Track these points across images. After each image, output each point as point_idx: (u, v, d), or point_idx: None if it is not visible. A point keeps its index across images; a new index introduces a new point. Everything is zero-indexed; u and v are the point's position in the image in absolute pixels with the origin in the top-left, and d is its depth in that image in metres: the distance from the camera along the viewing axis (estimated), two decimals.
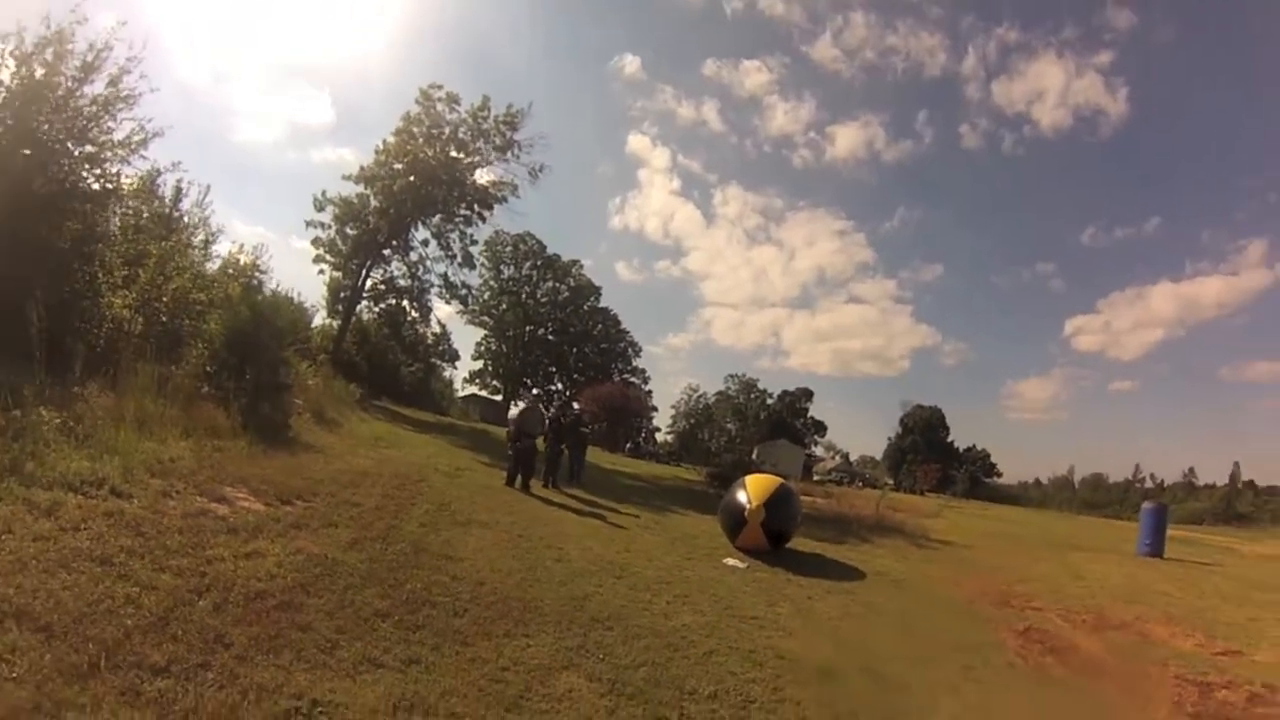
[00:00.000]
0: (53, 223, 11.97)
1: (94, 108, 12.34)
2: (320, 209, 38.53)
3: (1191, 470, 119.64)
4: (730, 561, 13.24)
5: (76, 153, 12.39)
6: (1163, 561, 21.18)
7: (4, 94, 11.51)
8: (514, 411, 21.64)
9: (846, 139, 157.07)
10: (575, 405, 43.68)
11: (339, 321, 39.78)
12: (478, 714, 5.32)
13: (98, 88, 12.38)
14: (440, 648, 6.35)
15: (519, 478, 17.18)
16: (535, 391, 79.82)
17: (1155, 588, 15.82)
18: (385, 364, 44.37)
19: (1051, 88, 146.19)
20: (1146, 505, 24.93)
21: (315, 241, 38.83)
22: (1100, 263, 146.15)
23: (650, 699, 6.34)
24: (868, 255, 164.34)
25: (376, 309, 42.88)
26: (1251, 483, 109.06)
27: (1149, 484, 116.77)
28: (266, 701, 4.65)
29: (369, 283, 40.03)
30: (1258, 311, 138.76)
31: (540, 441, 18.73)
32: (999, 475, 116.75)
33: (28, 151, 11.65)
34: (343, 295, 39.97)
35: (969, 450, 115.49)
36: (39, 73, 11.76)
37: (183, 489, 8.78)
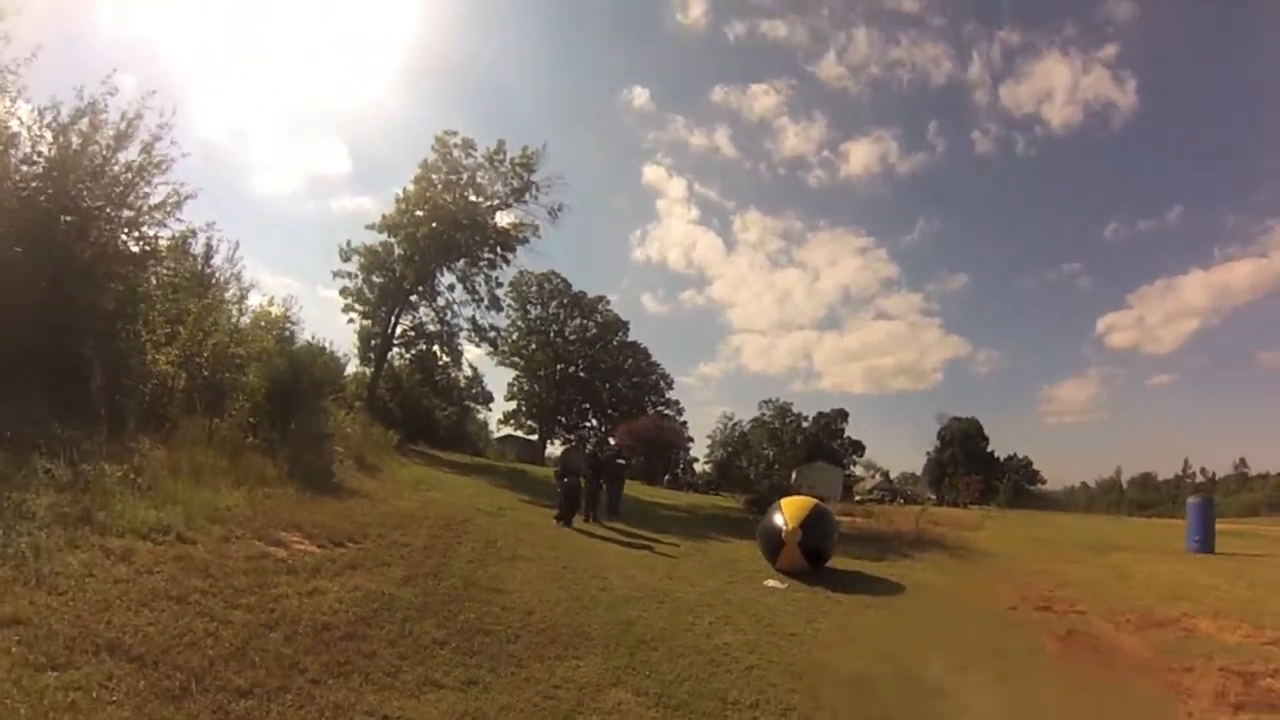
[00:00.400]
0: (97, 285, 12.42)
1: (129, 174, 12.83)
2: (346, 259, 39.49)
3: (1243, 460, 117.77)
4: (770, 583, 13.54)
5: (115, 217, 12.88)
6: (1212, 557, 20.79)
7: (44, 164, 12.00)
8: (558, 451, 22.13)
9: (860, 155, 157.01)
10: (611, 440, 44.00)
11: (371, 369, 40.41)
12: None
13: (131, 154, 12.86)
14: (496, 670, 6.74)
15: (568, 514, 17.69)
16: (575, 431, 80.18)
17: (1203, 583, 15.62)
18: (420, 409, 44.94)
19: (1059, 86, 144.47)
20: (1192, 500, 24.65)
21: (343, 291, 39.78)
22: (1126, 257, 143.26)
23: (695, 710, 6.68)
24: (891, 270, 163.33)
25: (408, 355, 43.68)
26: None
27: (1199, 478, 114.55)
28: (342, 718, 5.08)
29: (398, 329, 40.71)
30: None
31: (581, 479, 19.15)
32: (1043, 482, 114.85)
33: (69, 218, 12.15)
34: (373, 343, 40.64)
35: (1010, 459, 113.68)
36: (75, 143, 12.22)
37: (241, 534, 9.30)
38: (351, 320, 40.66)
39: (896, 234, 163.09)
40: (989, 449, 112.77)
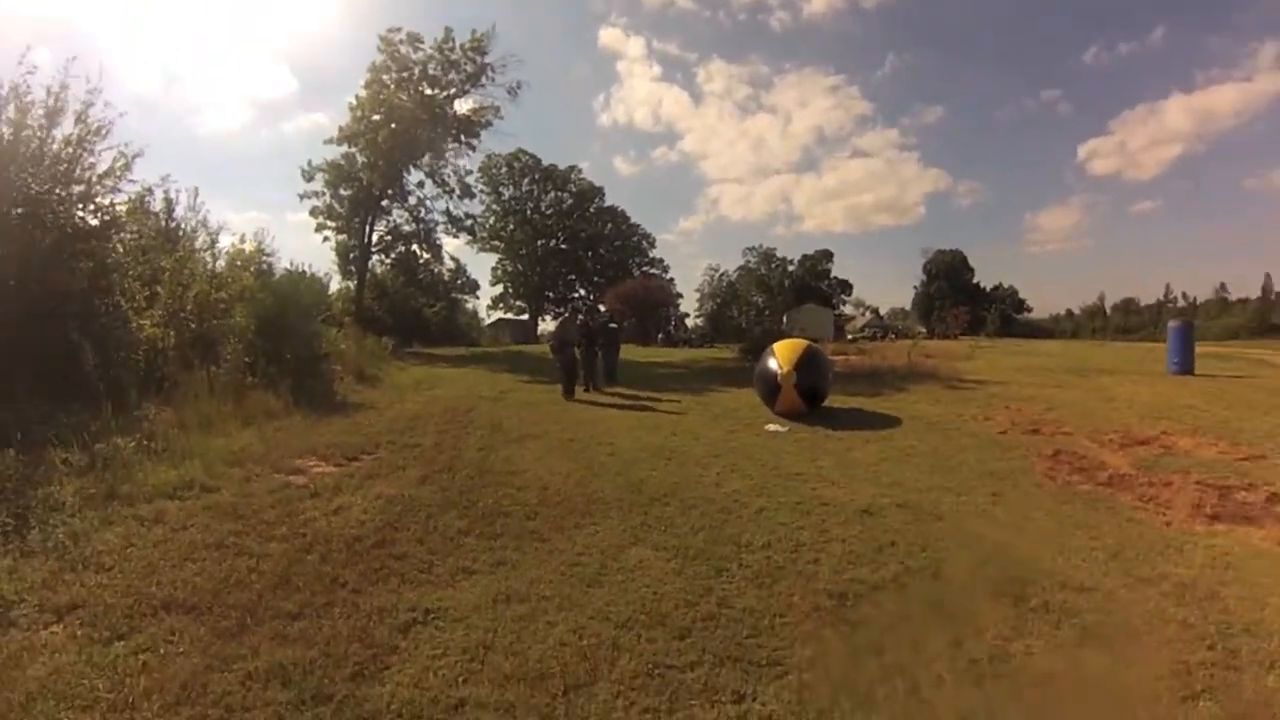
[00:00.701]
0: (66, 267, 12.59)
1: (70, 149, 12.77)
2: (310, 178, 38.92)
3: (1223, 286, 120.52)
4: (772, 427, 13.99)
5: (66, 195, 12.88)
6: (1192, 378, 21.52)
7: None
8: (552, 326, 22.40)
9: None
10: (601, 307, 44.31)
11: (354, 281, 40.48)
12: (564, 594, 6.20)
13: (66, 128, 12.79)
14: (521, 548, 7.26)
15: (569, 386, 18.28)
16: (565, 303, 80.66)
17: (1182, 403, 16.29)
18: (408, 311, 45.10)
19: None
20: (1173, 324, 25.12)
21: (313, 211, 39.35)
22: (1107, 82, 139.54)
23: (711, 556, 7.18)
24: (864, 107, 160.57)
25: (388, 260, 43.68)
26: None
27: (1181, 303, 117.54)
28: (389, 618, 5.58)
29: (375, 237, 40.52)
30: (1271, 118, 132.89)
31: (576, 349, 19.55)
32: (1029, 311, 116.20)
33: (20, 210, 12.17)
34: (352, 255, 40.72)
35: (996, 289, 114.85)
36: (6, 132, 12.19)
37: (260, 471, 9.74)
38: (326, 238, 40.56)
39: (867, 70, 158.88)
40: (975, 280, 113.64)
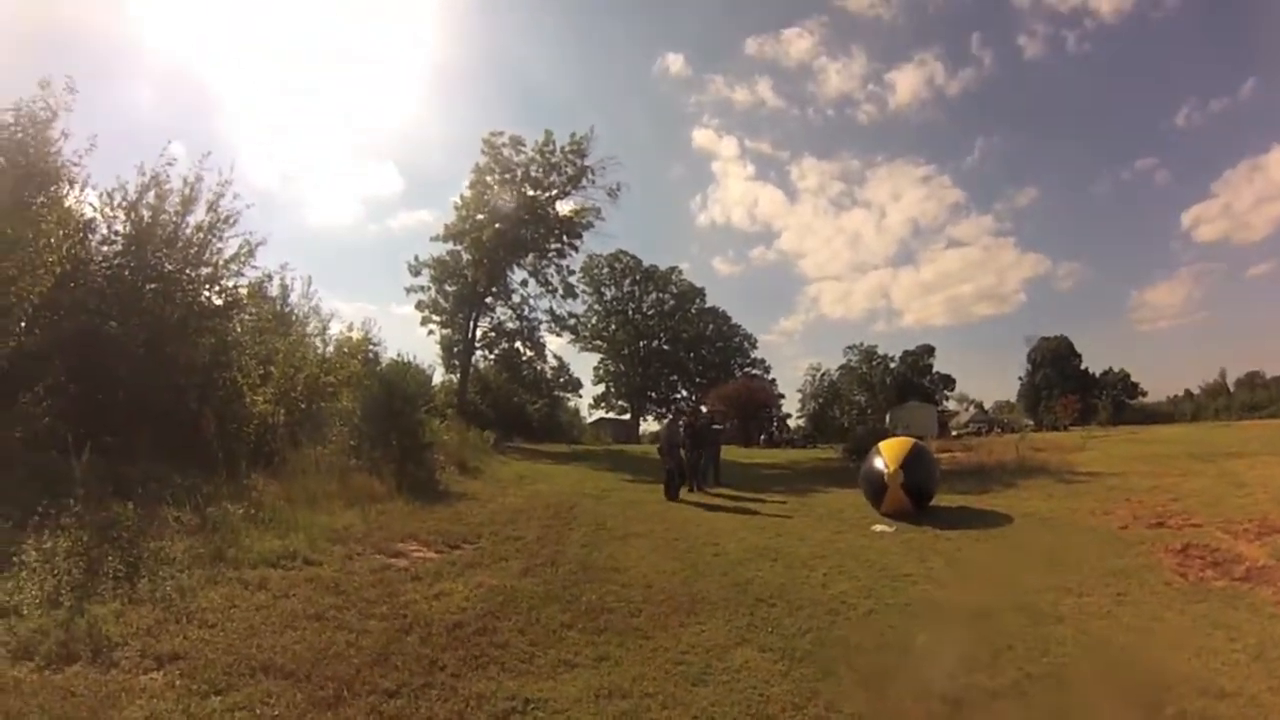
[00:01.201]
0: (190, 341, 13.35)
1: (201, 234, 13.65)
2: (416, 273, 40.52)
3: None
4: (879, 528, 13.57)
5: (195, 276, 13.69)
6: None
7: (122, 241, 12.92)
8: (656, 427, 22.29)
9: (906, 83, 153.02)
10: (704, 408, 44.15)
11: (458, 375, 41.44)
12: (669, 691, 5.95)
13: (199, 215, 13.68)
14: (624, 644, 7.04)
15: (675, 488, 17.96)
16: (668, 404, 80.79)
17: None
18: (510, 406, 45.89)
19: None
20: None
21: (419, 305, 40.77)
22: (1203, 143, 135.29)
23: (819, 658, 6.86)
24: (957, 195, 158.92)
25: (491, 356, 44.58)
26: None
27: None
28: (486, 706, 5.42)
29: (478, 332, 41.57)
30: None
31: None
32: (1144, 394, 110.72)
33: (153, 285, 13.01)
34: (455, 349, 41.73)
35: (1106, 374, 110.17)
36: (146, 216, 13.09)
37: (362, 550, 9.80)
38: (431, 331, 41.72)
39: (957, 157, 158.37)
40: (1083, 366, 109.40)
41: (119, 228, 12.97)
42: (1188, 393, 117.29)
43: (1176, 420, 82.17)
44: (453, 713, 5.25)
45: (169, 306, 13.03)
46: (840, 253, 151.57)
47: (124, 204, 12.98)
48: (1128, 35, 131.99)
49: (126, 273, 12.85)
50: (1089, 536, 12.47)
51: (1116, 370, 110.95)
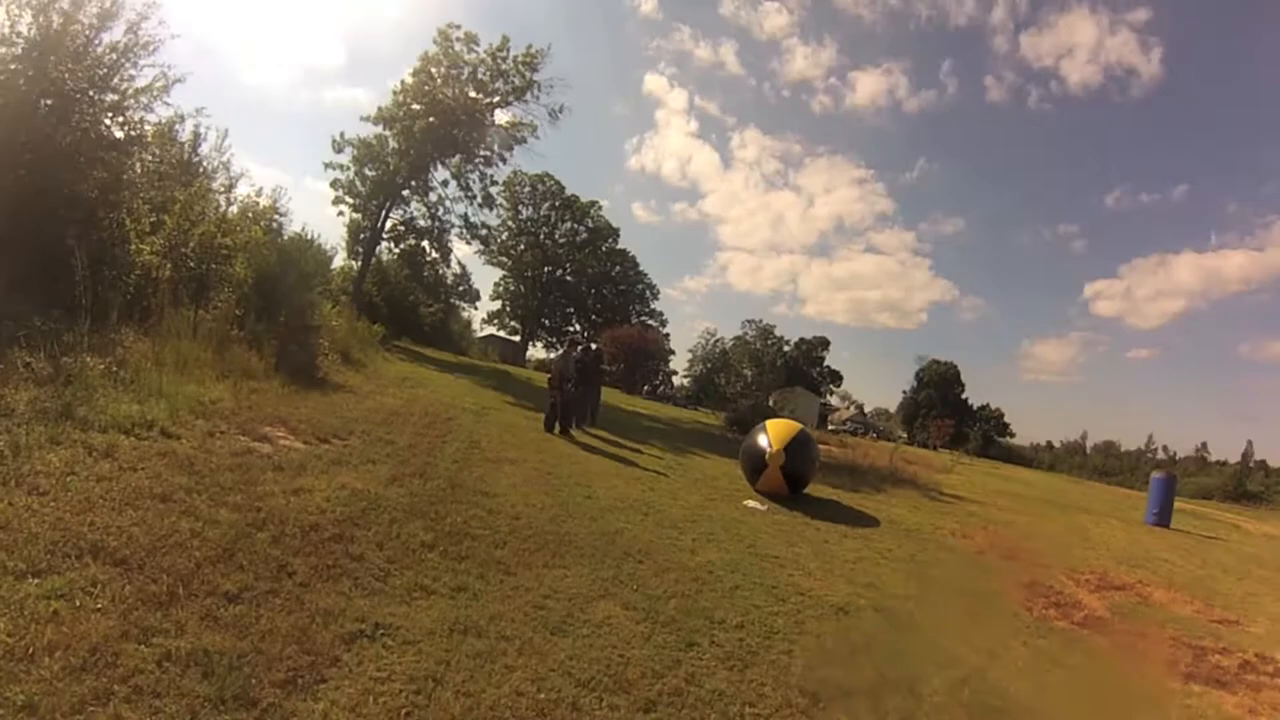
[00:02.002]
0: (79, 172, 12.12)
1: (114, 55, 12.45)
2: (339, 150, 38.53)
3: (1204, 445, 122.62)
4: (750, 504, 13.48)
5: (99, 101, 12.50)
6: (1169, 531, 21.55)
7: (23, 45, 11.56)
8: (551, 356, 21.66)
9: (868, 86, 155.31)
10: (594, 345, 43.76)
11: (359, 262, 39.98)
12: (525, 637, 5.64)
13: (116, 34, 12.47)
14: (485, 576, 6.69)
15: (557, 422, 17.39)
16: (568, 335, 79.73)
17: (1159, 555, 16.19)
18: (405, 304, 44.44)
19: (1083, 44, 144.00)
20: (1156, 475, 25.01)
21: (334, 183, 38.88)
22: (1124, 227, 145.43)
23: (682, 627, 6.66)
24: (887, 205, 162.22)
25: (396, 250, 43.10)
26: (1263, 463, 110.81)
27: (1161, 455, 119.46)
28: (333, 624, 5.00)
29: (389, 224, 40.19)
30: (1276, 291, 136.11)
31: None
32: (1012, 435, 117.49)
33: (50, 102, 11.80)
34: (362, 236, 40.10)
35: (983, 409, 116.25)
36: (56, 22, 11.79)
37: (226, 429, 9.18)
38: (341, 213, 40.00)
39: (897, 170, 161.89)
40: (964, 395, 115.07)
41: (22, 29, 11.58)
42: (1049, 444, 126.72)
43: (1035, 466, 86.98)
44: (295, 628, 4.80)
45: (63, 129, 11.84)
46: (760, 229, 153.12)
47: (33, 3, 11.62)
48: (1088, 109, 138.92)
49: (21, 81, 11.52)
50: (948, 555, 12.73)
51: (993, 407, 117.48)
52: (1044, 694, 7.11)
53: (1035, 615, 9.92)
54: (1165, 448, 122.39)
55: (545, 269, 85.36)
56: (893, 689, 6.40)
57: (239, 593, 5.05)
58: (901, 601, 9.14)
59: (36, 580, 4.49)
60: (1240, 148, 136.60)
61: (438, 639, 5.24)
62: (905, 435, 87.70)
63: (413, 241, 42.32)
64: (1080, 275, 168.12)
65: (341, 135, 38.49)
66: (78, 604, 4.37)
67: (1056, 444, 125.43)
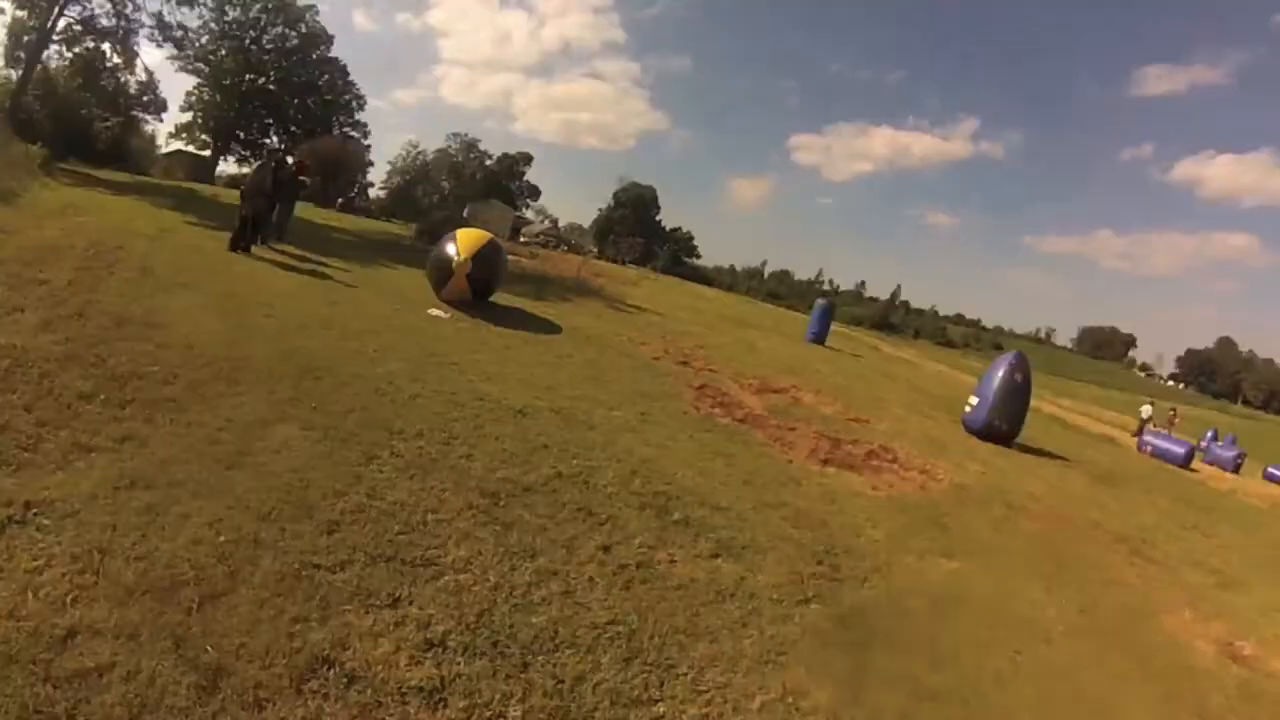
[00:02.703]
0: None
1: None
2: None
3: (863, 283, 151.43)
4: (434, 312, 13.38)
5: None
6: (823, 348, 25.11)
7: None
8: (235, 169, 19.56)
9: None
10: (290, 159, 40.59)
11: (19, 71, 33.28)
12: (200, 478, 5.28)
13: None
14: (153, 419, 6.10)
15: (244, 239, 15.79)
16: (265, 147, 72.55)
17: (812, 366, 18.62)
18: (76, 120, 38.07)
19: None
20: (819, 301, 29.14)
21: None
22: (838, 93, 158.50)
23: (362, 441, 6.55)
24: (618, 35, 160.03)
25: (69, 54, 36.28)
26: (907, 303, 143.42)
27: (827, 286, 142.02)
28: None
29: (62, 23, 33.00)
30: (951, 173, 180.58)
31: None
32: (699, 257, 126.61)
33: None
34: (26, 39, 33.15)
35: (675, 230, 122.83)
36: None
37: None
38: (2, 11, 32.40)
39: (638, 3, 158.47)
40: (658, 218, 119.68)
41: None
42: (732, 267, 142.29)
43: (716, 285, 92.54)
44: None
45: None
46: (483, 45, 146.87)
47: None
48: None
49: None
50: (625, 360, 13.42)
51: (685, 230, 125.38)
52: (706, 478, 7.90)
53: (702, 413, 10.91)
54: (831, 280, 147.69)
55: (247, 77, 73.78)
56: (568, 482, 6.77)
57: None
58: (578, 403, 9.51)
59: None
60: (954, 50, 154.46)
61: (101, 502, 4.71)
62: (596, 250, 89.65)
63: (91, 44, 35.55)
64: (788, 126, 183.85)
65: None
66: None
67: (739, 269, 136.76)
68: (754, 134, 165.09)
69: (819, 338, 26.21)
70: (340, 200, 54.96)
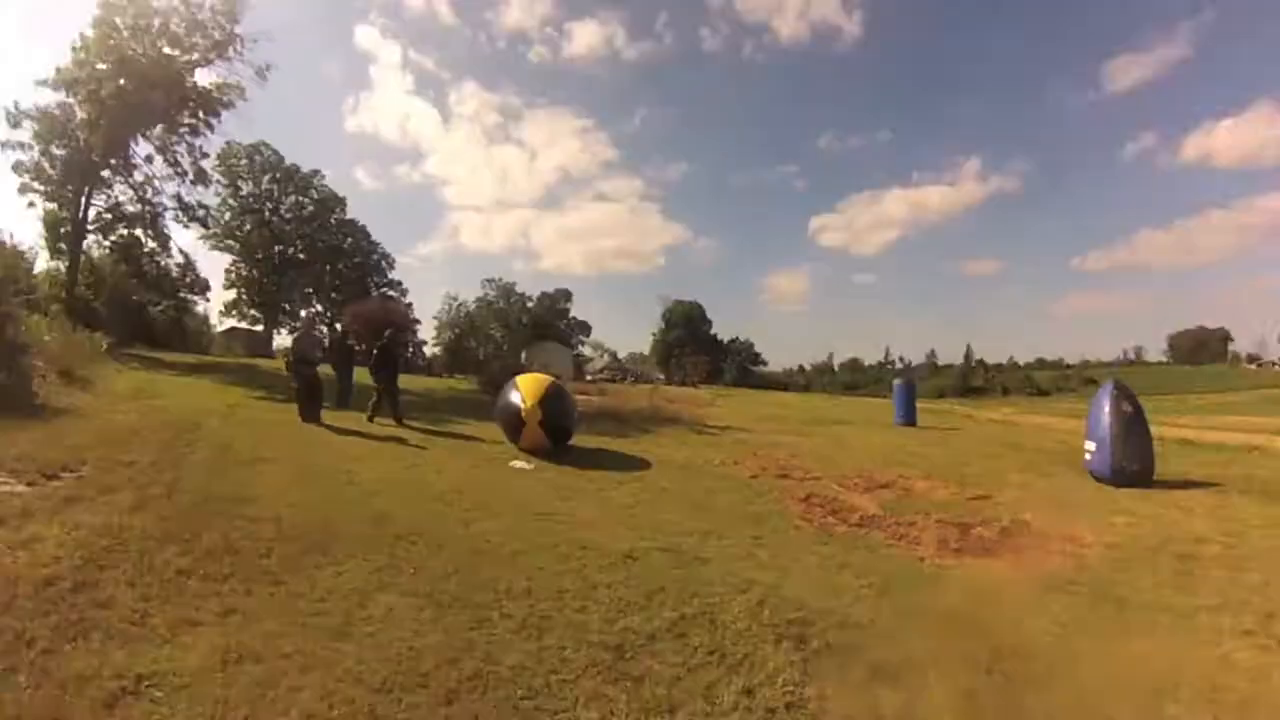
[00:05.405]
0: None
1: None
2: (15, 124, 32.19)
3: (933, 352, 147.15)
4: (517, 464, 13.23)
5: None
6: (915, 429, 23.96)
7: None
8: (291, 339, 20.08)
9: (584, 36, 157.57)
10: (338, 326, 41.68)
11: (65, 263, 34.59)
12: (307, 650, 5.21)
13: None
14: (253, 592, 6.13)
15: (310, 409, 16.10)
16: (305, 313, 75.38)
17: (911, 450, 17.67)
18: (129, 306, 39.62)
19: (791, 2, 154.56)
20: (897, 382, 27.84)
21: (17, 167, 32.60)
22: (839, 166, 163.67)
23: (469, 604, 6.41)
24: (611, 154, 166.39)
25: (107, 243, 37.70)
26: (982, 361, 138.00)
27: (899, 365, 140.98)
28: (89, 689, 4.37)
29: (92, 212, 34.64)
30: (974, 217, 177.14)
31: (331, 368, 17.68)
32: (764, 364, 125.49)
33: None
34: (64, 230, 34.66)
35: (733, 341, 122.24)
36: None
37: None
38: (32, 204, 33.71)
39: (619, 120, 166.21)
40: (712, 331, 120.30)
41: None
42: (801, 367, 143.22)
43: (791, 389, 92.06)
44: (44, 705, 4.15)
45: None
46: (487, 185, 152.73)
47: None
48: (797, 60, 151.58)
49: None
50: (723, 483, 13.04)
51: (743, 339, 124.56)
52: (839, 596, 7.39)
53: (816, 525, 10.40)
54: (901, 357, 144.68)
55: (276, 248, 78.85)
56: (694, 624, 6.42)
57: None
58: (686, 538, 9.18)
59: None
60: (928, 99, 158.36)
61: (210, 674, 4.70)
62: (663, 376, 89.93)
63: (124, 231, 37.03)
64: (804, 211, 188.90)
65: (16, 105, 32.30)
66: None
67: (807, 366, 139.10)
68: (774, 225, 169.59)
69: (909, 419, 25.28)
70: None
